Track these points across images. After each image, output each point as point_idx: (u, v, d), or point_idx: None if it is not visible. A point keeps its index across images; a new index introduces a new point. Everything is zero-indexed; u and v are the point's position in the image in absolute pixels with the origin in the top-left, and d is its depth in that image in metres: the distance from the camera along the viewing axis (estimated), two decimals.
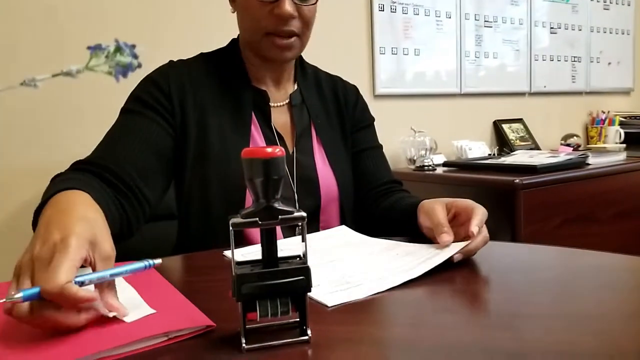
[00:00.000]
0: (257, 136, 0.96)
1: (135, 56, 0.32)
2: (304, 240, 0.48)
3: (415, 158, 2.07)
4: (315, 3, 0.93)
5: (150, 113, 0.90)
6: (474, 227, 0.68)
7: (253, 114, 0.97)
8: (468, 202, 0.75)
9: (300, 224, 0.47)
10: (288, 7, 0.88)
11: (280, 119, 1.00)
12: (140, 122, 0.89)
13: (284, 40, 0.91)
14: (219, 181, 0.91)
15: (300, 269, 0.47)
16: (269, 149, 0.47)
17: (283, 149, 0.48)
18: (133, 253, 1.25)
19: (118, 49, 0.31)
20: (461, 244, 0.69)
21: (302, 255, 0.49)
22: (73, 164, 0.82)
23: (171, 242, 1.02)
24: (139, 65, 0.32)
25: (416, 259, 0.69)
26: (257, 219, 0.46)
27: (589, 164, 1.91)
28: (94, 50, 0.31)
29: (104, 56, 0.31)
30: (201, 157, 0.92)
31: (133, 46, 0.32)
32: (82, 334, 0.48)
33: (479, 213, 0.71)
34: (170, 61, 0.98)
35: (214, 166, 0.91)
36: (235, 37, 1.03)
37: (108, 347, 0.45)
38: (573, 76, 2.74)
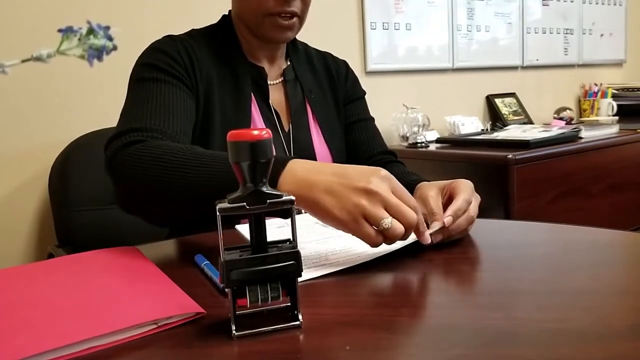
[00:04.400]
0: (255, 114, 0.96)
1: (110, 38, 0.30)
2: (293, 224, 0.47)
3: (407, 135, 2.06)
4: None
5: (178, 82, 0.88)
6: (446, 218, 0.66)
7: (252, 91, 0.96)
8: (460, 186, 0.72)
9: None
10: None
11: (276, 96, 1.01)
12: (174, 92, 0.86)
13: (286, 21, 0.92)
14: None
15: (290, 253, 0.46)
16: (256, 132, 0.45)
17: (270, 131, 0.47)
18: (129, 236, 1.25)
19: (91, 31, 0.29)
20: (437, 225, 0.67)
21: (291, 239, 0.48)
22: (140, 133, 0.77)
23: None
24: (114, 48, 0.31)
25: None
26: (245, 203, 0.45)
27: (581, 138, 1.91)
28: (65, 33, 0.29)
29: (77, 39, 0.29)
30: (205, 132, 0.91)
31: (107, 27, 0.30)
32: (68, 321, 0.47)
33: (459, 200, 0.68)
34: (170, 35, 0.95)
35: (217, 143, 0.90)
36: (226, 13, 1.02)
37: (94, 335, 0.44)
38: (565, 49, 2.72)
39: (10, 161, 1.42)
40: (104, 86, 1.48)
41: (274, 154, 0.98)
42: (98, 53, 0.29)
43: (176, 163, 0.68)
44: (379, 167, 0.62)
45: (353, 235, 0.60)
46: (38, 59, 0.28)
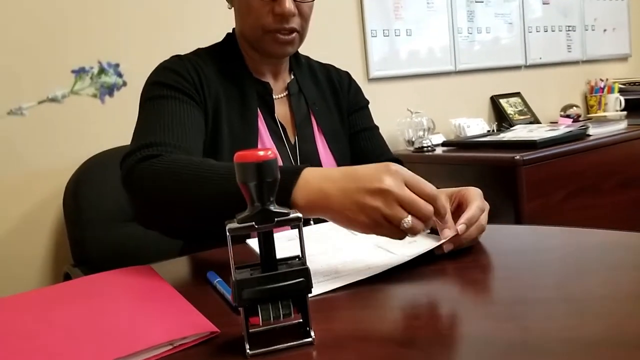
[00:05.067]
0: (262, 128, 0.98)
1: (119, 75, 0.31)
2: (301, 240, 0.48)
3: (413, 139, 2.06)
4: (314, 0, 0.95)
5: (188, 99, 0.89)
6: (460, 225, 0.66)
7: (258, 106, 0.98)
8: (470, 194, 0.72)
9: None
10: (289, 5, 0.90)
11: (281, 109, 1.03)
12: (185, 108, 0.88)
13: (285, 37, 0.93)
14: None
15: (299, 270, 0.46)
16: (261, 152, 0.46)
17: (276, 151, 0.47)
18: (143, 252, 1.25)
19: (102, 70, 0.30)
20: (450, 233, 0.67)
21: (300, 256, 0.49)
22: (156, 147, 0.78)
23: (179, 242, 1.01)
24: (124, 84, 0.32)
25: (411, 247, 0.69)
26: (253, 222, 0.46)
27: (589, 135, 1.89)
28: (77, 74, 0.30)
29: (89, 78, 0.30)
30: (214, 147, 0.92)
31: (117, 65, 0.31)
32: (85, 345, 0.48)
33: (472, 208, 0.68)
34: (177, 55, 0.97)
35: (225, 159, 0.91)
36: (230, 31, 1.04)
37: (111, 359, 0.45)
38: (568, 46, 2.71)
39: (25, 183, 1.44)
40: (115, 107, 1.50)
41: (281, 164, 0.99)
42: (109, 90, 0.30)
43: (193, 176, 0.69)
44: (388, 162, 0.63)
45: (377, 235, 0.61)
46: (53, 100, 0.29)
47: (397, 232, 0.60)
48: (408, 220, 0.59)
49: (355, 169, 0.63)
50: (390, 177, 0.59)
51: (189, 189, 0.69)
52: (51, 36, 1.47)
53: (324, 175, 0.63)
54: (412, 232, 0.60)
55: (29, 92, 1.41)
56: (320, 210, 0.62)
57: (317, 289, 0.58)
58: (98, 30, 1.53)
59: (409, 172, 0.62)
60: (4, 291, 1.39)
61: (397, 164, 0.62)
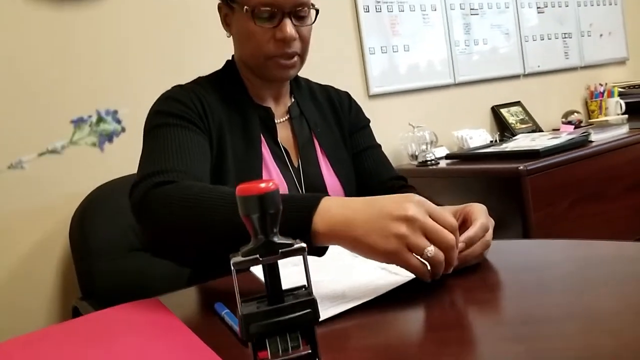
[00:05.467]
0: (265, 153, 0.98)
1: (118, 121, 0.31)
2: (306, 270, 0.48)
3: (417, 153, 2.06)
4: (313, 23, 0.96)
5: (193, 127, 0.90)
6: (459, 244, 0.65)
7: (260, 132, 0.99)
8: (474, 210, 0.72)
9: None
10: (290, 29, 0.91)
11: (283, 133, 1.03)
12: (191, 136, 0.88)
13: (287, 61, 0.94)
14: None
15: (306, 301, 0.46)
16: (263, 184, 0.46)
17: (277, 182, 0.47)
18: (150, 281, 1.25)
19: (100, 119, 0.30)
20: None
21: (306, 285, 0.49)
22: (166, 174, 0.78)
23: (186, 271, 1.01)
24: (123, 130, 0.32)
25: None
26: (257, 255, 0.46)
27: (592, 141, 1.89)
28: (76, 124, 0.30)
29: (88, 126, 0.30)
30: (219, 174, 0.93)
31: (115, 112, 0.32)
32: None
33: (475, 227, 0.68)
34: (179, 85, 0.98)
35: (230, 185, 0.92)
36: (230, 58, 1.05)
37: None
38: (566, 52, 2.72)
39: (30, 216, 1.45)
40: (119, 138, 1.51)
41: (285, 188, 0.98)
42: (108, 137, 0.31)
43: (206, 204, 0.69)
44: (411, 194, 0.63)
45: (399, 266, 0.60)
46: (53, 151, 0.29)
47: (420, 266, 0.59)
48: (431, 249, 0.58)
49: (376, 198, 0.63)
50: (415, 206, 0.59)
51: (203, 216, 0.68)
52: (48, 86, 1.47)
53: (345, 204, 0.63)
54: (434, 262, 0.59)
55: (28, 144, 1.42)
56: (342, 237, 0.61)
57: (326, 313, 0.58)
58: (95, 78, 1.54)
59: (430, 202, 0.62)
60: (13, 326, 1.39)
61: (419, 196, 0.62)
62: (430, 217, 0.60)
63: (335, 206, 0.63)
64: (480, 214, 0.71)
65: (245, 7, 0.91)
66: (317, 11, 0.97)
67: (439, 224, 0.60)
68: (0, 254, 1.42)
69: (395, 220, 0.58)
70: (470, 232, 0.68)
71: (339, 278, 0.71)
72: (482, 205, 0.74)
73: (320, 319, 0.47)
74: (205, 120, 0.93)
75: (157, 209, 0.72)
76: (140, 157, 0.87)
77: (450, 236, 0.59)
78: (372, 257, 0.61)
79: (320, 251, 0.65)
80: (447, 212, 0.75)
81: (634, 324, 0.47)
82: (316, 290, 0.47)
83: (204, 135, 0.91)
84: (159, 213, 0.72)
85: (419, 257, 0.59)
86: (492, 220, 0.73)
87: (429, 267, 0.60)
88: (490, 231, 0.70)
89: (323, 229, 0.62)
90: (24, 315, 1.43)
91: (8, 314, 1.41)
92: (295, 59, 0.95)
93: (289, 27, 0.91)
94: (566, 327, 0.48)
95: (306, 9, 0.94)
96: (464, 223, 0.73)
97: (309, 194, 0.68)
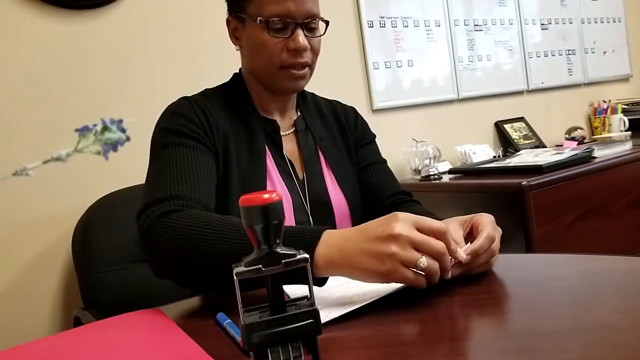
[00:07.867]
0: (270, 166, 0.99)
1: (123, 130, 0.32)
2: (309, 282, 0.48)
3: (420, 168, 2.06)
4: (323, 34, 0.98)
5: (199, 145, 0.91)
6: (465, 256, 0.66)
7: (265, 144, 0.99)
8: (482, 221, 0.74)
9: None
10: (303, 40, 0.93)
11: (289, 146, 1.04)
12: (196, 156, 0.89)
13: (299, 71, 0.96)
14: (237, 215, 0.92)
15: (308, 312, 0.46)
16: (266, 195, 0.47)
17: (280, 194, 0.48)
18: (153, 292, 1.25)
19: (105, 128, 0.31)
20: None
21: (309, 296, 0.49)
22: (173, 201, 0.80)
23: None
24: (128, 139, 0.33)
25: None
26: (260, 265, 0.46)
27: (595, 157, 1.89)
28: (81, 133, 0.31)
29: (92, 135, 0.31)
30: (223, 186, 0.93)
31: (120, 121, 0.32)
32: None
33: (481, 238, 0.69)
34: (185, 97, 0.99)
35: (235, 197, 0.92)
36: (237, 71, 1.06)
37: None
38: (569, 69, 2.73)
39: (33, 227, 1.46)
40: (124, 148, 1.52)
41: (290, 201, 0.99)
42: (113, 146, 0.32)
43: (214, 235, 0.71)
44: (394, 212, 0.65)
45: (398, 283, 0.63)
46: (58, 159, 0.30)
47: (415, 277, 0.61)
48: (423, 260, 0.61)
49: (366, 225, 0.66)
50: (399, 222, 0.62)
51: (209, 248, 0.70)
52: (54, 95, 1.49)
53: (342, 236, 0.66)
54: (429, 271, 0.61)
55: (33, 151, 1.43)
56: (339, 268, 0.65)
57: (330, 315, 0.60)
58: (101, 87, 1.55)
59: (415, 215, 0.64)
60: (15, 335, 1.39)
61: (402, 212, 0.64)
62: (417, 229, 0.62)
63: (333, 239, 0.66)
64: (487, 225, 0.72)
65: (259, 18, 0.92)
66: (327, 23, 0.98)
67: (426, 233, 0.62)
68: (3, 262, 1.42)
69: (383, 241, 0.61)
70: (475, 245, 0.69)
71: (344, 286, 0.71)
72: (489, 215, 0.75)
73: (324, 320, 0.47)
74: (210, 135, 0.93)
75: (166, 240, 0.74)
76: (147, 177, 0.88)
77: (439, 244, 0.62)
78: (372, 281, 0.64)
79: (320, 282, 0.68)
80: (453, 222, 0.76)
81: (638, 338, 0.47)
82: (321, 295, 0.48)
83: (210, 153, 0.92)
84: (168, 243, 0.74)
85: (414, 269, 0.61)
86: (500, 230, 0.73)
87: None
88: (498, 241, 0.71)
89: (322, 262, 0.65)
90: (26, 324, 1.43)
91: (10, 322, 1.41)
92: (306, 69, 0.97)
93: (302, 37, 0.93)
94: (568, 340, 0.48)
95: (317, 20, 0.96)
96: (471, 233, 0.74)
97: (309, 227, 0.70)
